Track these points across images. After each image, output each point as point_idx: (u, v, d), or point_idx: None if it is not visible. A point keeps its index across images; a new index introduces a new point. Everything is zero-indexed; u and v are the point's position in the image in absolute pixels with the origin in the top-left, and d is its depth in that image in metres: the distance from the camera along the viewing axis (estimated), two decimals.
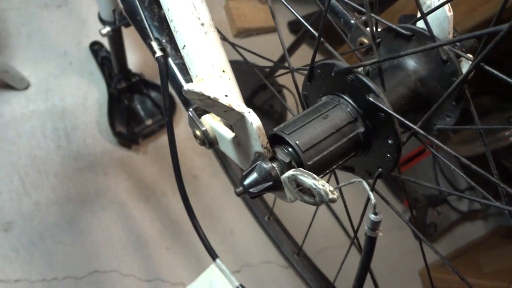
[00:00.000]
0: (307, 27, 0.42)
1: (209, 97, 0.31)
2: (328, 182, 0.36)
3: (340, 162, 0.36)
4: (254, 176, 0.33)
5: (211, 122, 0.38)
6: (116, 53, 1.05)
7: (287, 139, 0.33)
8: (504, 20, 0.25)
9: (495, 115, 1.45)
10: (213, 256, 0.48)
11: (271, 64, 0.61)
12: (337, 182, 0.49)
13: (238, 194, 0.33)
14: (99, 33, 0.92)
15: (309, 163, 0.32)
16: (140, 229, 1.09)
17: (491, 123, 1.44)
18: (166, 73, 0.43)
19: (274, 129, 0.34)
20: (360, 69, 0.45)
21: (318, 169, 0.34)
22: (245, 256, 1.18)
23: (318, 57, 0.37)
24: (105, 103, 1.16)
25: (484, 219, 1.71)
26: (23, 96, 1.11)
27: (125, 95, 1.18)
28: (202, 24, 0.36)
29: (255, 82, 1.35)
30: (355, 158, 0.38)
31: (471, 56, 0.38)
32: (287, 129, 0.33)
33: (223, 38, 0.42)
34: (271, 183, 0.33)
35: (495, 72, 0.32)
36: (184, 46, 0.37)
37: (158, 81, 1.22)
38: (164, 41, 0.45)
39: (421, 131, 0.33)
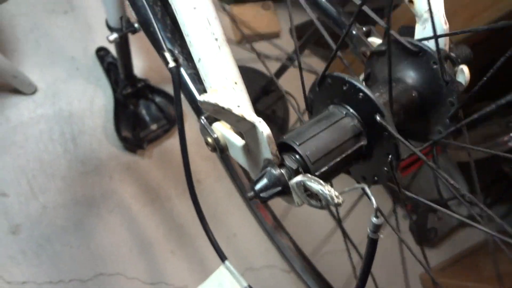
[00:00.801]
0: (325, 38, 0.43)
1: (223, 108, 0.33)
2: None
3: (342, 170, 0.38)
4: (264, 182, 0.35)
5: (222, 129, 0.40)
6: (122, 59, 1.07)
7: (298, 150, 0.35)
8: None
9: (495, 120, 1.46)
10: (222, 257, 0.49)
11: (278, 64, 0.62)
12: (331, 185, 0.51)
13: (250, 199, 0.34)
14: (107, 39, 0.94)
15: (317, 173, 0.35)
16: (145, 233, 1.11)
17: (492, 128, 1.45)
18: (179, 83, 0.44)
19: (284, 138, 0.36)
20: (361, 77, 0.47)
21: (323, 177, 0.36)
22: (248, 260, 1.20)
23: (319, 62, 0.39)
24: (111, 108, 1.18)
25: (485, 223, 1.71)
26: (31, 101, 1.13)
27: (130, 100, 1.20)
28: (216, 39, 0.38)
29: (258, 88, 1.37)
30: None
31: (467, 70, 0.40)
32: (297, 139, 0.35)
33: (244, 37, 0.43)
34: (280, 188, 0.35)
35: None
36: (200, 59, 0.39)
37: (163, 87, 1.25)
38: (176, 51, 0.47)
39: (421, 155, 0.35)
